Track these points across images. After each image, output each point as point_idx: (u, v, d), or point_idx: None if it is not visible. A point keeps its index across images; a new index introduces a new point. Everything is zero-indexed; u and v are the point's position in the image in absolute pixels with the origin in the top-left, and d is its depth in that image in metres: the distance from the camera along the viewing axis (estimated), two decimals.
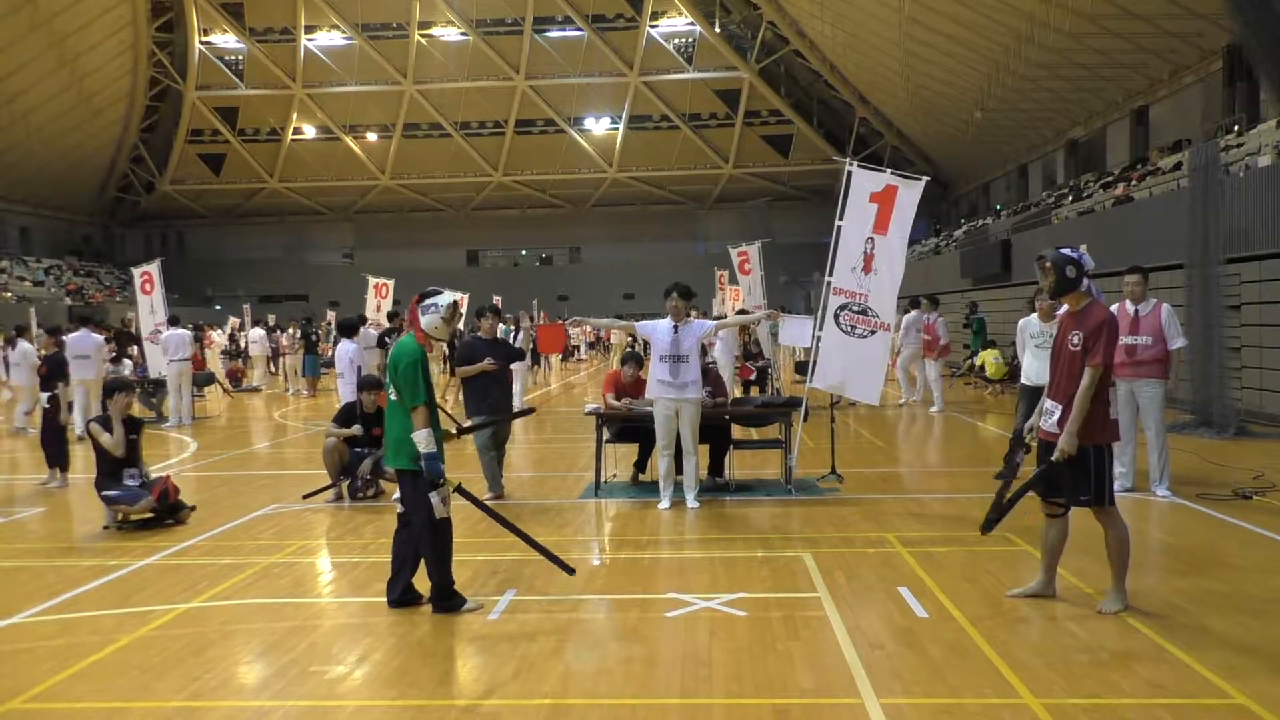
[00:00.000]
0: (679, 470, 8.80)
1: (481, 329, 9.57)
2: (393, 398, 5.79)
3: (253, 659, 5.14)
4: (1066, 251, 5.62)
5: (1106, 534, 5.59)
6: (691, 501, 8.59)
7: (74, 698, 4.62)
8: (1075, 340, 5.49)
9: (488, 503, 8.86)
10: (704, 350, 10.46)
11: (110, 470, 8.31)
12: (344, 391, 11.21)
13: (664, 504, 8.62)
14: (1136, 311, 8.78)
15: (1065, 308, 5.70)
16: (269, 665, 5.02)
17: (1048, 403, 5.64)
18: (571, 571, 6.04)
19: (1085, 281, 5.55)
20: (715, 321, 9.11)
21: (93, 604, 6.16)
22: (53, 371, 11.00)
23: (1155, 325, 8.63)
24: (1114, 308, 8.61)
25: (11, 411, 16.41)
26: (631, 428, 9.56)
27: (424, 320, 5.85)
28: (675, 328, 8.53)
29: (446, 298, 5.90)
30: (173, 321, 17.11)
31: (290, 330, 26.19)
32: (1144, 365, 8.65)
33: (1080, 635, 5.19)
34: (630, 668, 4.86)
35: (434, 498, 5.64)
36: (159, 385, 17.10)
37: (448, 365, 15.30)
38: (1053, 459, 5.47)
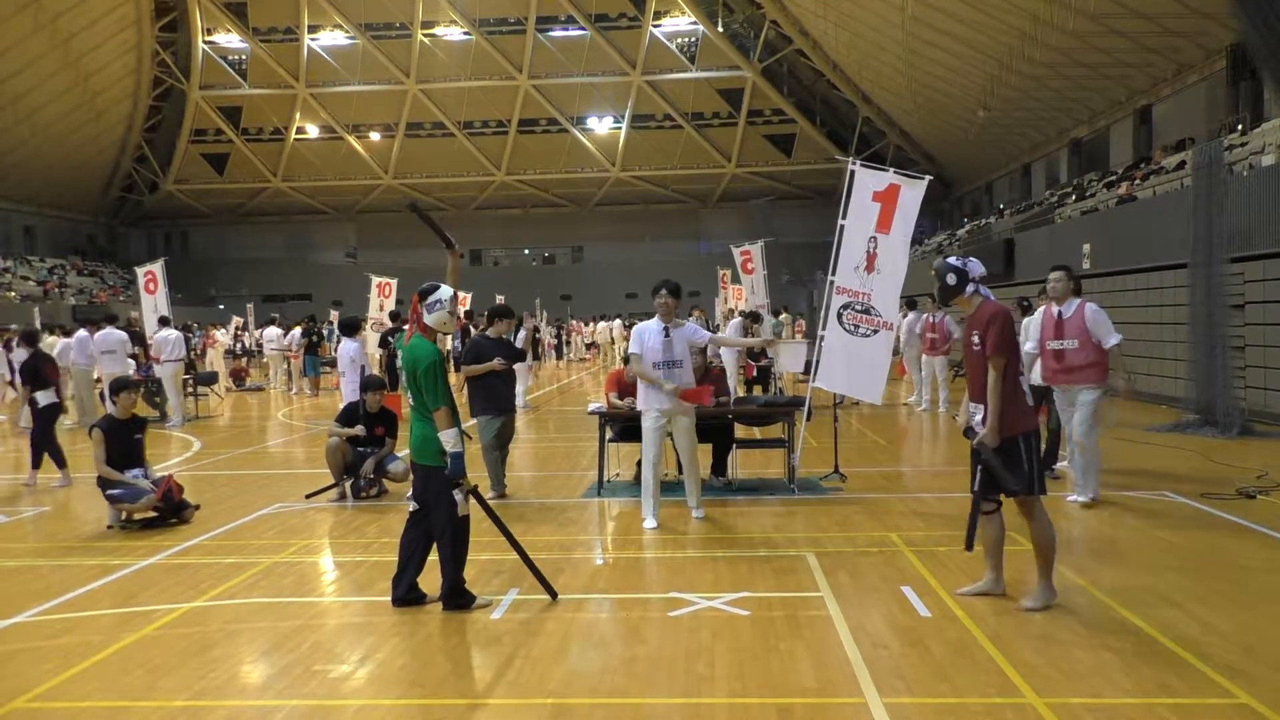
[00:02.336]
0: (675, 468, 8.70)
1: (494, 330, 9.59)
2: (412, 402, 5.78)
3: (256, 658, 5.15)
4: (950, 260, 5.86)
5: (1030, 527, 5.68)
6: (697, 513, 8.16)
7: (78, 697, 4.63)
8: (975, 340, 5.65)
9: (489, 502, 8.89)
10: (703, 348, 10.38)
11: (114, 468, 8.32)
12: (346, 391, 11.22)
13: (650, 523, 7.88)
14: (1060, 313, 8.22)
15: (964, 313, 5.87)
16: (272, 664, 5.03)
17: (970, 405, 5.78)
18: (554, 595, 5.99)
19: (971, 286, 5.77)
20: (709, 334, 8.53)
21: (96, 603, 6.18)
22: (27, 378, 10.81)
23: (1080, 327, 8.10)
24: (1040, 310, 8.47)
25: (16, 411, 16.43)
26: (634, 427, 9.54)
27: (432, 318, 5.84)
28: (666, 330, 7.87)
29: (447, 291, 5.92)
30: (163, 322, 17.13)
31: (293, 330, 26.20)
32: (1076, 371, 8.15)
33: (1084, 634, 5.18)
34: (633, 667, 4.86)
35: (457, 495, 5.68)
36: (162, 385, 17.13)
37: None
38: (977, 450, 5.62)
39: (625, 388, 9.51)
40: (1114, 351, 8.11)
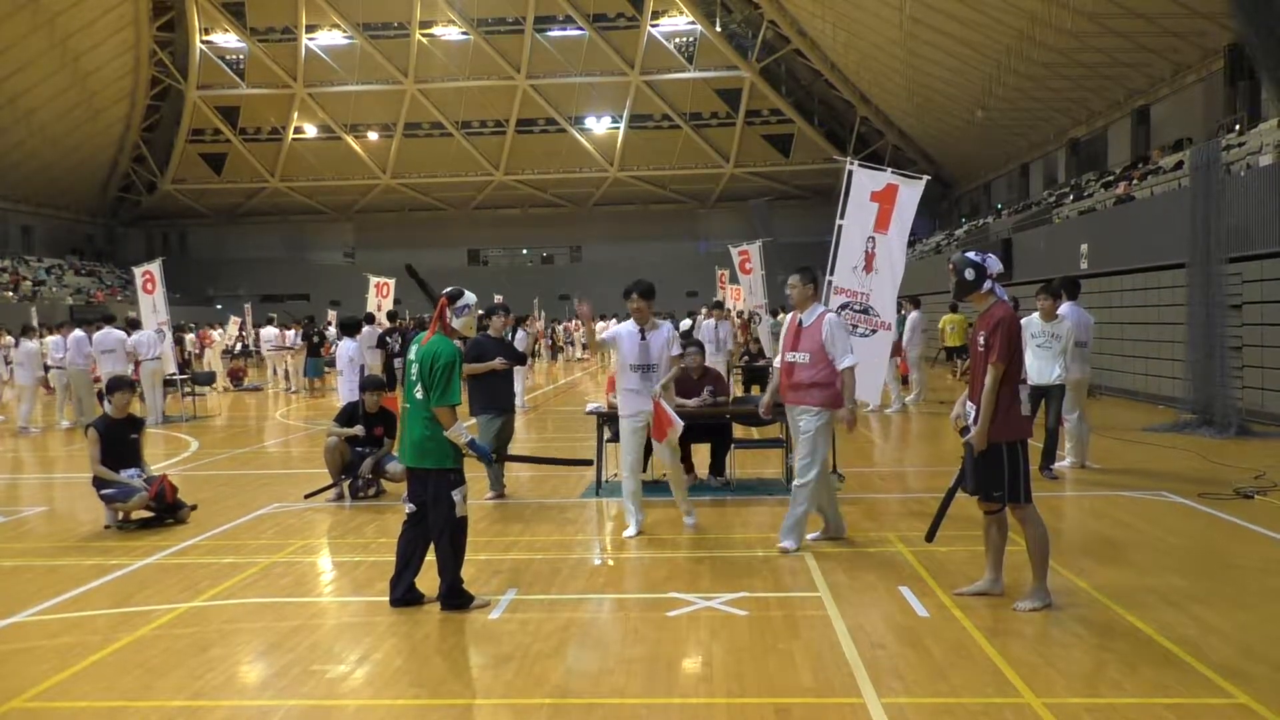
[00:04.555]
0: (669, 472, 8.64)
1: (492, 328, 9.60)
2: (418, 396, 5.79)
3: (254, 658, 5.15)
4: (970, 255, 5.79)
5: (1024, 531, 5.66)
6: (689, 520, 7.84)
7: (76, 697, 4.62)
8: (981, 341, 5.64)
9: (488, 502, 8.90)
10: (700, 347, 10.37)
11: (109, 468, 8.31)
12: (344, 390, 11.20)
13: (631, 530, 7.64)
14: (800, 322, 7.19)
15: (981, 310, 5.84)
16: (271, 664, 5.03)
17: (968, 404, 5.79)
18: (590, 463, 6.30)
19: (987, 283, 5.72)
20: (679, 349, 7.74)
21: (94, 603, 6.17)
22: None
23: (815, 340, 7.02)
24: (786, 317, 7.57)
25: (13, 411, 16.42)
26: None
27: (459, 321, 5.98)
28: (642, 333, 7.57)
29: (473, 297, 6.09)
30: (134, 325, 17.13)
31: (292, 330, 26.19)
32: (801, 390, 7.01)
33: (1082, 634, 5.19)
34: (631, 667, 4.86)
35: (455, 495, 5.70)
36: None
37: None
38: (975, 455, 5.61)
39: None
40: (846, 375, 6.95)
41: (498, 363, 9.09)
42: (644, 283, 7.58)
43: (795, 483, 7.03)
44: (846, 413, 6.93)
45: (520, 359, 9.94)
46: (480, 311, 10.41)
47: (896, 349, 16.58)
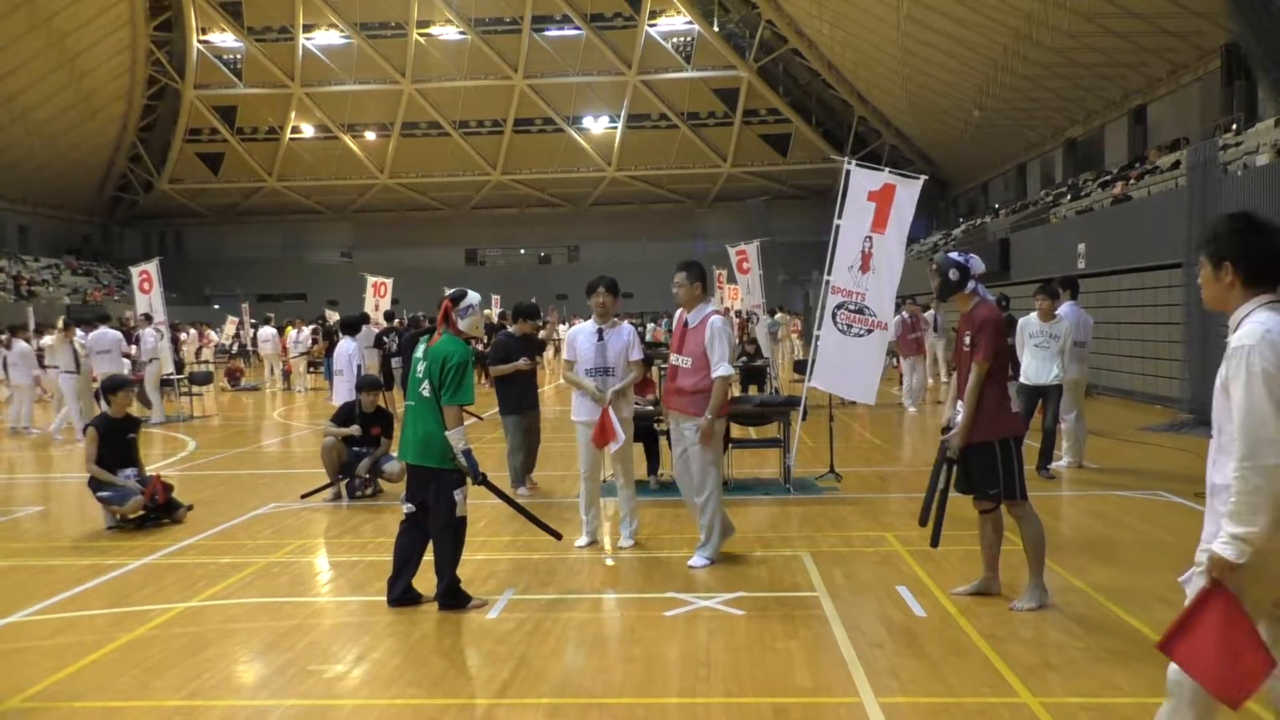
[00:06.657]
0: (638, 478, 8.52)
1: (516, 328, 9.67)
2: (424, 394, 5.79)
3: (251, 658, 5.15)
4: (953, 255, 5.80)
5: (1021, 530, 5.65)
6: (625, 539, 7.25)
7: (72, 696, 4.62)
8: (967, 340, 5.65)
9: (489, 501, 8.90)
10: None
11: (107, 468, 8.29)
12: (342, 390, 11.18)
13: (582, 540, 7.26)
14: (686, 323, 6.75)
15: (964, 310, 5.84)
16: (267, 664, 5.02)
17: (958, 403, 5.78)
18: (559, 536, 6.39)
19: (971, 283, 5.73)
20: (641, 351, 7.22)
21: (91, 603, 6.16)
22: None
23: (699, 343, 6.56)
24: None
25: (9, 411, 16.39)
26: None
27: (465, 323, 5.99)
28: (600, 333, 7.04)
29: (476, 296, 6.11)
30: (146, 319, 17.10)
31: (307, 330, 26.07)
32: (685, 397, 6.58)
33: (1079, 634, 5.19)
34: (629, 667, 4.86)
35: (458, 495, 5.70)
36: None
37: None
38: (948, 456, 5.60)
39: None
40: (718, 383, 6.47)
41: (522, 363, 9.18)
42: (608, 278, 7.12)
43: (697, 499, 6.64)
44: (706, 423, 6.42)
45: (541, 346, 10.03)
46: (496, 312, 10.44)
47: (920, 346, 16.62)
